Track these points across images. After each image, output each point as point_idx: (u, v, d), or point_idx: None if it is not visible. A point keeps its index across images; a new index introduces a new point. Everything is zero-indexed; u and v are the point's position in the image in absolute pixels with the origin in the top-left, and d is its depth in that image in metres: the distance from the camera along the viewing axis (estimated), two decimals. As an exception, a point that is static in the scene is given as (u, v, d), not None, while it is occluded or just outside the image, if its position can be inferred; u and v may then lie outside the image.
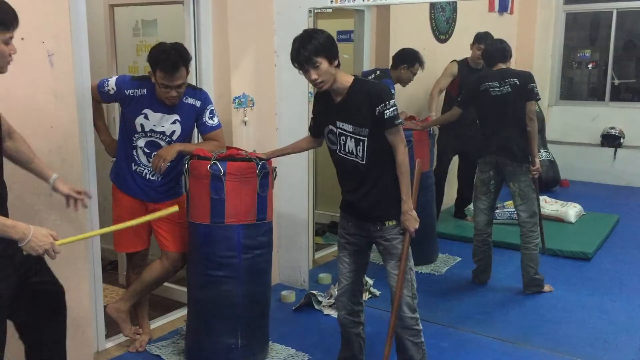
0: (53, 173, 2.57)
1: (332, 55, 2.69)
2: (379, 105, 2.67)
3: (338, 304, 3.11)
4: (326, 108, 2.85)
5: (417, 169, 2.94)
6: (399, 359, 3.01)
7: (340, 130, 2.79)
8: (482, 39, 5.43)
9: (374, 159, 2.76)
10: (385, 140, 2.74)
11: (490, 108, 4.27)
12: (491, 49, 4.41)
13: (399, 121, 2.72)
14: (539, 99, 4.30)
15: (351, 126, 2.75)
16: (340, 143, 2.81)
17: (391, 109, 2.68)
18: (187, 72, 3.10)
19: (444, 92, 5.71)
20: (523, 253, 4.25)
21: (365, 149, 2.75)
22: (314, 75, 2.70)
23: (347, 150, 2.80)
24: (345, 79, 2.77)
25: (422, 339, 2.95)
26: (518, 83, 4.15)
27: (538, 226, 4.29)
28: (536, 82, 4.23)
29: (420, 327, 2.93)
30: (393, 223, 2.80)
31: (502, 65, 4.29)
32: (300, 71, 2.75)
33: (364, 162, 2.76)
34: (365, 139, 2.73)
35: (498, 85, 4.21)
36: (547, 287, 4.31)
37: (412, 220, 2.77)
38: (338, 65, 2.73)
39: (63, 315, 2.57)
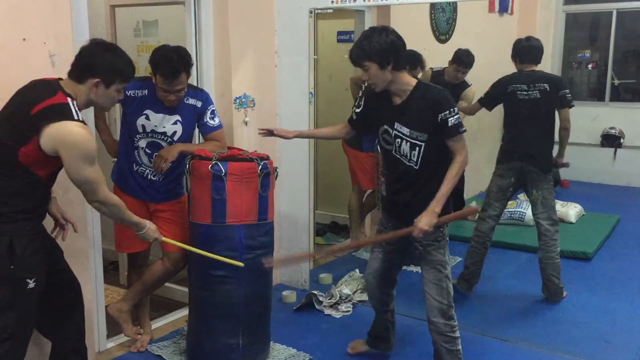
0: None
1: (385, 60, 2.64)
2: (442, 112, 2.65)
3: (368, 293, 3.23)
4: (383, 108, 2.84)
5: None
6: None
7: (396, 132, 2.78)
8: (462, 61, 5.17)
9: (428, 165, 2.75)
10: (441, 148, 2.71)
11: (517, 111, 4.07)
12: (525, 45, 4.11)
13: (463, 129, 2.70)
14: (573, 105, 4.09)
15: (408, 130, 2.74)
16: (395, 145, 2.81)
17: (455, 117, 2.67)
18: (188, 77, 3.10)
19: None
20: (546, 263, 4.08)
21: (421, 155, 2.74)
22: (364, 76, 2.74)
23: (401, 153, 2.79)
24: (408, 81, 2.74)
25: (459, 347, 2.93)
26: (548, 89, 3.95)
27: (558, 233, 4.14)
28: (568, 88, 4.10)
29: (457, 335, 2.92)
30: (431, 232, 2.74)
31: (533, 67, 4.07)
32: None
33: (417, 167, 2.76)
34: (423, 144, 2.72)
35: (526, 88, 3.99)
36: (564, 293, 4.23)
37: (429, 223, 2.69)
38: (399, 69, 2.70)
39: (82, 307, 2.70)
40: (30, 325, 2.44)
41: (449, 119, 2.66)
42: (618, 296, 4.29)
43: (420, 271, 2.96)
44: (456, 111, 2.68)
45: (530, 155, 4.01)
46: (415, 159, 2.76)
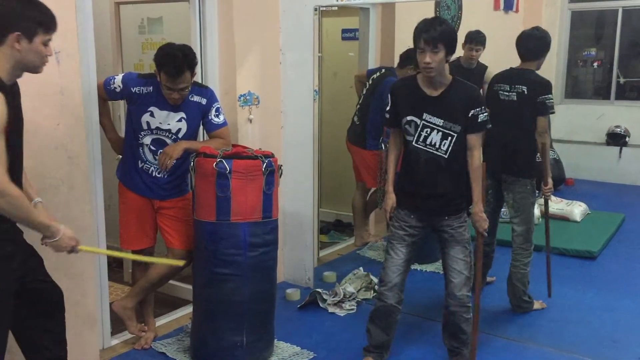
0: (37, 196, 2.45)
1: (451, 48, 2.86)
2: (475, 108, 2.91)
3: (389, 293, 3.11)
4: (413, 99, 2.98)
5: (483, 171, 3.06)
6: (450, 333, 3.16)
7: (425, 122, 2.93)
8: (473, 38, 5.25)
9: (456, 155, 2.95)
10: (463, 140, 2.95)
11: (497, 112, 3.70)
12: (522, 36, 3.76)
13: (489, 126, 2.99)
14: (552, 112, 3.72)
15: (442, 120, 2.91)
16: (419, 135, 2.95)
17: (484, 114, 2.93)
18: (192, 75, 3.10)
19: None
20: (511, 271, 3.85)
21: (452, 145, 2.93)
22: (427, 59, 2.81)
23: (428, 143, 2.95)
24: (447, 75, 2.95)
25: (470, 314, 3.10)
26: (526, 92, 3.63)
27: (531, 244, 3.81)
28: (551, 93, 3.69)
29: (469, 304, 3.08)
30: (458, 214, 3.02)
31: (525, 64, 3.73)
32: (417, 49, 2.85)
33: (446, 156, 2.95)
34: (456, 135, 2.92)
35: (508, 89, 3.71)
36: (537, 305, 3.97)
37: (482, 221, 3.03)
38: (448, 62, 2.90)
39: (62, 316, 2.56)
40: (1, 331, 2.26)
41: (479, 115, 2.92)
42: (623, 295, 4.28)
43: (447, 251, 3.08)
44: (485, 109, 2.93)
45: (503, 157, 3.71)
46: (445, 148, 2.94)
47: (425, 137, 2.95)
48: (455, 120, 2.90)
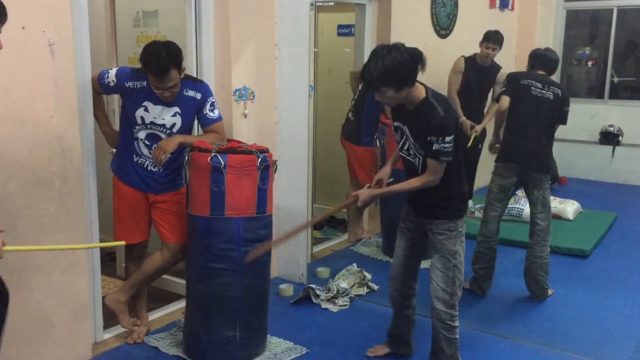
0: None
1: (401, 83, 2.66)
2: (431, 136, 2.70)
3: (390, 283, 3.19)
4: (402, 108, 2.85)
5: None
6: (432, 347, 3.06)
7: (405, 133, 2.86)
8: (490, 38, 5.43)
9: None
10: None
11: (526, 108, 3.97)
12: (539, 53, 4.21)
13: (443, 158, 2.74)
14: (565, 124, 4.16)
15: (412, 139, 2.83)
16: (404, 142, 2.90)
17: (440, 145, 2.70)
18: (180, 72, 3.06)
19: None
20: (534, 262, 4.06)
21: (421, 165, 2.83)
22: (378, 97, 2.76)
23: (408, 152, 2.89)
24: (417, 94, 2.75)
25: (457, 336, 2.98)
26: (560, 96, 3.98)
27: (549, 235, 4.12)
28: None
29: (456, 324, 2.96)
30: (441, 221, 2.88)
31: (544, 72, 4.10)
32: None
33: (419, 171, 2.85)
34: (421, 157, 2.81)
35: (541, 87, 3.97)
36: (550, 291, 4.22)
37: (367, 197, 2.94)
38: (412, 85, 2.71)
39: (3, 317, 2.33)
40: None
41: (434, 144, 2.71)
42: (615, 293, 4.30)
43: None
44: (445, 140, 2.70)
45: (534, 154, 3.95)
46: (416, 165, 2.86)
47: (407, 147, 2.88)
48: (418, 142, 2.79)
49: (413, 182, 2.85)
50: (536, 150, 3.96)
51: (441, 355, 3.00)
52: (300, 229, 3.32)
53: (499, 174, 4.06)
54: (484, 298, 4.18)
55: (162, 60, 2.96)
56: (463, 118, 5.43)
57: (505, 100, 4.04)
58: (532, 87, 3.97)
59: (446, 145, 2.69)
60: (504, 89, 4.14)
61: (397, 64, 2.61)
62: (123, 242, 2.98)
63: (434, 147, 2.70)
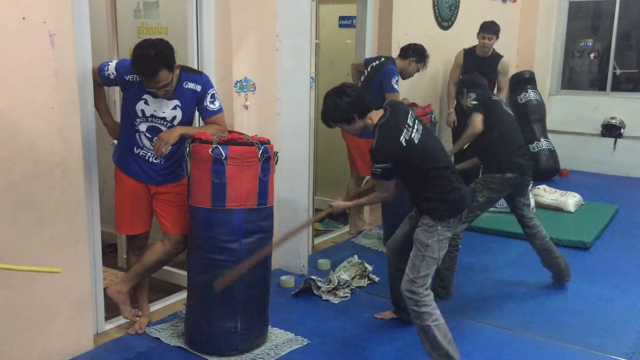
0: None
1: (354, 117, 2.97)
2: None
3: (386, 250, 3.56)
4: None
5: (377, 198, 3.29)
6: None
7: None
8: (485, 28, 5.51)
9: (404, 183, 3.13)
10: (408, 171, 3.03)
11: (512, 120, 4.08)
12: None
13: (377, 180, 3.07)
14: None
15: None
16: None
17: (375, 167, 2.96)
18: (171, 71, 3.01)
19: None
20: (548, 246, 4.10)
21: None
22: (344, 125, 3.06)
23: None
24: (372, 119, 3.01)
25: (428, 322, 2.93)
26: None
27: None
28: None
29: (423, 310, 2.95)
30: (424, 216, 3.08)
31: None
32: None
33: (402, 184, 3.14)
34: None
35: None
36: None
37: (339, 209, 3.42)
38: (363, 116, 2.98)
39: None
40: None
41: (372, 166, 3.00)
42: (616, 285, 4.30)
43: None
44: (375, 166, 2.95)
45: (529, 163, 3.98)
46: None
47: None
48: None
49: (374, 197, 3.29)
50: (530, 159, 4.03)
51: (425, 344, 2.99)
52: (281, 242, 3.50)
53: (494, 189, 3.86)
54: (482, 285, 4.19)
55: (149, 62, 2.92)
56: (451, 110, 5.72)
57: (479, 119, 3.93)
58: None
59: (378, 169, 2.95)
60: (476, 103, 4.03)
61: (339, 106, 2.97)
62: (59, 270, 2.63)
63: (372, 169, 3.00)
